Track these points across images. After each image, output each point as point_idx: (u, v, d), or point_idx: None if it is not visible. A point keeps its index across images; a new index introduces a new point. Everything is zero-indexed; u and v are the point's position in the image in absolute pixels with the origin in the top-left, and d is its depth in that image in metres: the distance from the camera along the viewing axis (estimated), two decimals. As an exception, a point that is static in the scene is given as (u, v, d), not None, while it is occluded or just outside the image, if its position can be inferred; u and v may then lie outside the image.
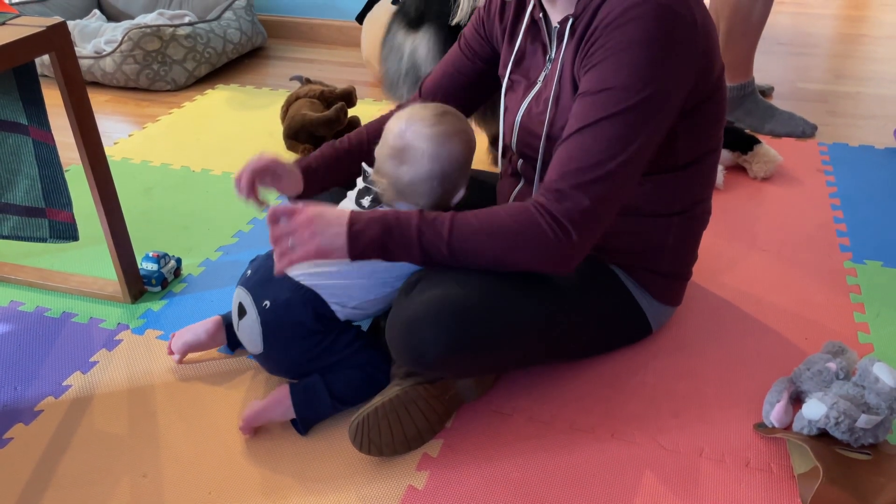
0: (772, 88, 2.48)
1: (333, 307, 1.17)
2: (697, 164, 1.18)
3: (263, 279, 1.19)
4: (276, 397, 1.19)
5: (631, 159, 1.02)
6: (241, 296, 1.21)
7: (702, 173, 1.20)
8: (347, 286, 1.17)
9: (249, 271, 1.24)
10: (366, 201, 1.18)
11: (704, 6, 1.08)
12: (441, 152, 1.14)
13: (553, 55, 1.17)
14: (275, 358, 1.22)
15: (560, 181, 1.02)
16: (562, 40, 1.13)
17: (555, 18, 1.15)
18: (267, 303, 1.16)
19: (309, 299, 1.15)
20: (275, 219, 1.04)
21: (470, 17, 1.26)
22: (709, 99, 1.12)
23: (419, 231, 1.05)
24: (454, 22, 1.26)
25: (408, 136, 1.14)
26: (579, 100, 1.05)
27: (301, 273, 1.15)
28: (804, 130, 2.15)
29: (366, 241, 1.04)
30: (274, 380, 1.31)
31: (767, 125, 2.17)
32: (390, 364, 1.22)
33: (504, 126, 1.28)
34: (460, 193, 1.21)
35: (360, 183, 1.22)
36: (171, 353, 1.36)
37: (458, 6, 1.24)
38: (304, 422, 1.19)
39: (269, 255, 1.19)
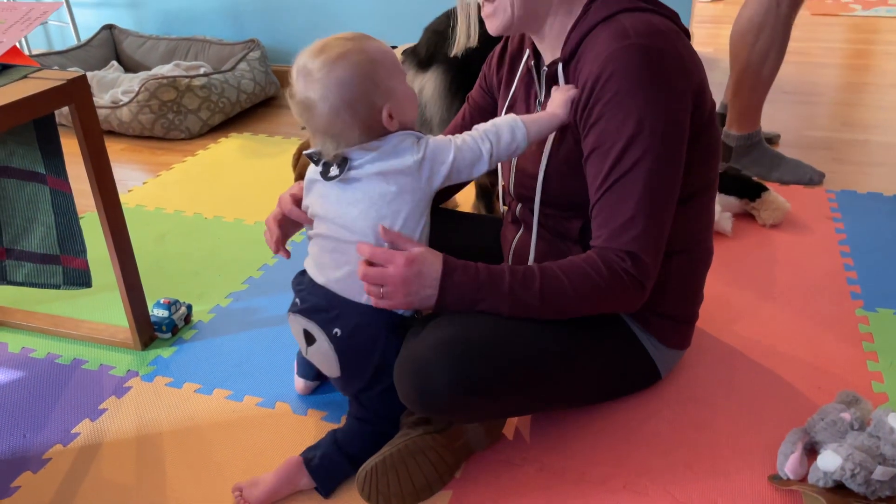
0: (778, 136, 2.50)
1: (402, 311, 1.15)
2: (692, 201, 1.19)
3: (323, 305, 1.15)
4: (288, 472, 1.15)
5: (667, 196, 1.08)
6: (303, 323, 1.17)
7: (697, 211, 1.21)
8: None
9: (298, 300, 1.19)
10: (333, 171, 1.09)
11: (688, 42, 1.11)
12: (328, 87, 1.05)
13: (542, 98, 1.19)
14: (350, 379, 1.18)
15: (615, 239, 1.07)
16: (551, 83, 1.16)
17: (547, 59, 1.18)
18: (337, 331, 1.13)
19: (379, 315, 1.13)
20: (372, 253, 1.06)
21: (464, 50, 1.31)
22: (701, 133, 1.13)
23: (505, 290, 1.06)
24: (453, 54, 1.30)
25: (299, 87, 1.07)
26: (596, 156, 1.08)
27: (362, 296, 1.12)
28: (812, 178, 2.16)
29: (457, 299, 1.07)
30: (285, 427, 1.30)
31: (775, 173, 2.18)
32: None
33: (502, 170, 1.31)
34: (394, 110, 1.08)
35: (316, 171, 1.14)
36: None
37: (456, 40, 1.29)
38: (326, 488, 1.17)
39: (304, 286, 1.18)
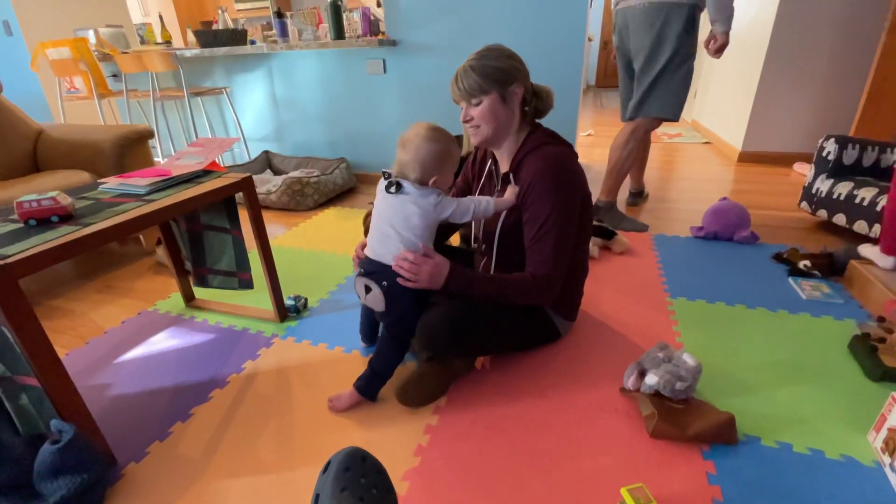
0: (647, 194, 2.50)
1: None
2: (579, 244, 1.20)
3: (375, 270, 1.08)
4: (353, 394, 1.13)
5: (567, 245, 1.08)
6: (364, 281, 1.09)
7: (581, 249, 1.22)
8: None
9: (362, 269, 1.10)
10: (392, 189, 1.05)
11: (577, 162, 1.11)
12: (421, 147, 1.03)
13: (499, 188, 1.20)
14: (388, 312, 1.10)
15: (540, 269, 1.07)
16: (504, 181, 1.17)
17: (502, 166, 1.18)
18: (385, 283, 1.07)
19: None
20: (414, 258, 1.03)
21: (470, 149, 1.32)
22: (585, 209, 1.14)
23: (481, 286, 1.07)
24: (464, 153, 1.31)
25: (410, 134, 1.05)
26: (529, 224, 1.08)
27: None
28: (641, 227, 2.15)
29: (454, 287, 1.06)
30: (356, 363, 1.29)
31: (621, 224, 2.17)
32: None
33: (474, 225, 1.31)
34: (438, 181, 1.06)
35: (384, 183, 1.08)
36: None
37: (462, 146, 1.31)
38: (371, 396, 1.15)
39: (364, 260, 1.11)
